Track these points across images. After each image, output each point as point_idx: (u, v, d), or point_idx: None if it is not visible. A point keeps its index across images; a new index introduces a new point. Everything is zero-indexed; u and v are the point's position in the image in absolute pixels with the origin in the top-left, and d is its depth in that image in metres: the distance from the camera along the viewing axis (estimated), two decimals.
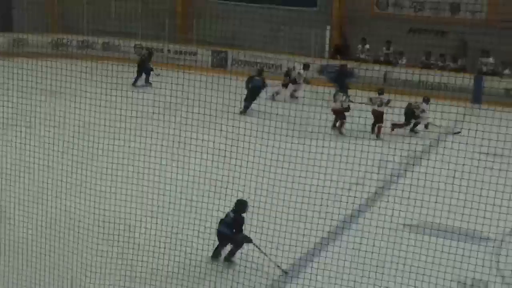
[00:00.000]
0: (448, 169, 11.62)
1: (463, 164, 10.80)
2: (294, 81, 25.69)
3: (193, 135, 12.25)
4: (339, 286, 10.85)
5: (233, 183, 11.67)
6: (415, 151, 15.20)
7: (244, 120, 13.23)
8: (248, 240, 12.43)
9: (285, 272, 12.11)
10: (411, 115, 21.78)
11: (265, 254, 12.15)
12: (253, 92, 23.52)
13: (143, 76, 27.12)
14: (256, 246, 12.25)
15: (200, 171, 12.91)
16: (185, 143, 12.59)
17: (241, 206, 12.62)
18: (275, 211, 11.66)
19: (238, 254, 12.67)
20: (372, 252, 11.13)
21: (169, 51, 32.15)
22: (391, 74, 26.88)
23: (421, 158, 16.86)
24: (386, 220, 11.73)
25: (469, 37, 26.83)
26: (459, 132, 18.02)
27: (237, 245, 12.71)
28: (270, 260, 12.11)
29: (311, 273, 11.21)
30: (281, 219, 11.36)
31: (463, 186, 10.72)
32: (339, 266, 11.08)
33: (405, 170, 15.64)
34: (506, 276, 11.71)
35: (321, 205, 11.46)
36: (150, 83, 26.18)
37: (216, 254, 12.84)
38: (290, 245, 11.17)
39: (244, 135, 11.69)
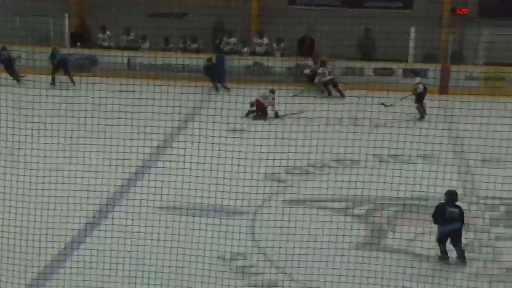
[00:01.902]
0: (198, 149, 11.83)
1: (212, 143, 11.03)
2: None
3: None
4: (100, 275, 10.71)
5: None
6: (165, 134, 15.24)
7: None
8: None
9: None
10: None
11: None
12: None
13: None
14: None
15: None
16: None
17: (456, 196, 12.04)
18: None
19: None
20: (131, 238, 11.14)
21: None
22: (135, 59, 26.92)
23: (171, 141, 16.96)
24: (142, 204, 11.74)
25: (211, 19, 27.41)
26: (391, 104, 19.20)
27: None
28: None
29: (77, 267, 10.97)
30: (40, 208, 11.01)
31: (214, 164, 10.98)
32: (113, 251, 10.95)
33: (158, 154, 15.69)
34: (262, 246, 12.19)
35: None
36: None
37: (445, 256, 12.13)
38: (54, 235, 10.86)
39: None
